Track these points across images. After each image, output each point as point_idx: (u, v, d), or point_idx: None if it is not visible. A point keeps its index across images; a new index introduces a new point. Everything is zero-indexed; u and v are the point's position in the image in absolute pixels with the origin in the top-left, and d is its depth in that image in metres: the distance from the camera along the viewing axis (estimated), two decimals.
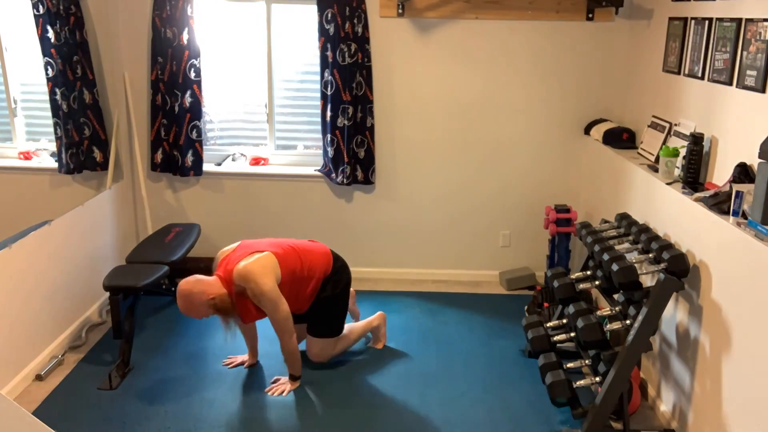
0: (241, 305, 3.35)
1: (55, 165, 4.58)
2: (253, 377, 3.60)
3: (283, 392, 3.44)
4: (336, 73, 4.46)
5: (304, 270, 3.48)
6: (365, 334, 3.86)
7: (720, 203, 2.80)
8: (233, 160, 4.86)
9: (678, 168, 3.41)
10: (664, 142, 3.69)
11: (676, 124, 3.64)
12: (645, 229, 3.31)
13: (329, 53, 4.44)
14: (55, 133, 4.46)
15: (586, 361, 3.15)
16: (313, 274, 3.53)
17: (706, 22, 3.32)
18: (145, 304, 4.38)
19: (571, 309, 3.21)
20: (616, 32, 4.48)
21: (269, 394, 3.43)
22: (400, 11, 4.46)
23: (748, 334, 2.52)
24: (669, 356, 3.22)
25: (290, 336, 3.39)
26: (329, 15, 4.39)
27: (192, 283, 3.23)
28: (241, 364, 3.73)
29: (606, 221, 3.77)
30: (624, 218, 3.56)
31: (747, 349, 2.53)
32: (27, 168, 4.70)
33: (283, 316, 3.33)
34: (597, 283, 3.38)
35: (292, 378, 3.51)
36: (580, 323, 3.07)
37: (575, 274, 3.49)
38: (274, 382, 3.52)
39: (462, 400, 3.42)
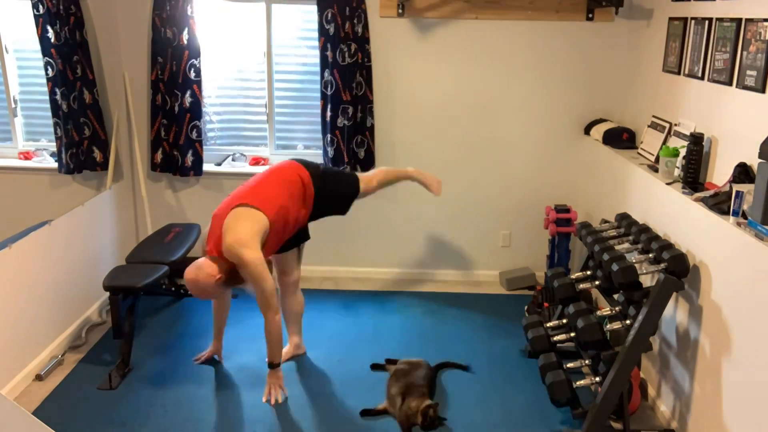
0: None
1: (55, 165, 4.59)
2: (253, 376, 3.60)
3: (278, 397, 3.39)
4: (336, 73, 4.46)
5: (287, 205, 3.34)
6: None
7: (720, 203, 2.80)
8: (233, 160, 4.86)
9: (678, 168, 3.41)
10: (664, 142, 3.69)
11: (676, 124, 3.64)
12: (645, 229, 3.31)
13: (329, 53, 4.44)
14: (55, 133, 4.46)
15: (586, 361, 3.15)
16: (296, 201, 3.39)
17: (706, 22, 3.32)
18: (145, 304, 4.38)
19: (571, 309, 3.21)
20: (616, 32, 4.48)
21: (269, 402, 3.39)
22: (400, 11, 4.46)
23: (748, 335, 2.52)
24: (669, 356, 3.22)
25: (274, 313, 3.27)
26: (329, 15, 4.39)
27: (194, 271, 3.19)
28: (211, 356, 3.74)
29: (606, 221, 3.77)
30: (624, 218, 3.56)
31: (747, 349, 2.53)
32: (27, 168, 4.71)
33: (268, 290, 3.21)
34: (597, 283, 3.38)
35: (272, 367, 3.38)
36: (580, 323, 3.07)
37: (575, 274, 3.49)
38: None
39: (462, 400, 3.42)
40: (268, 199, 3.29)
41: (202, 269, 3.20)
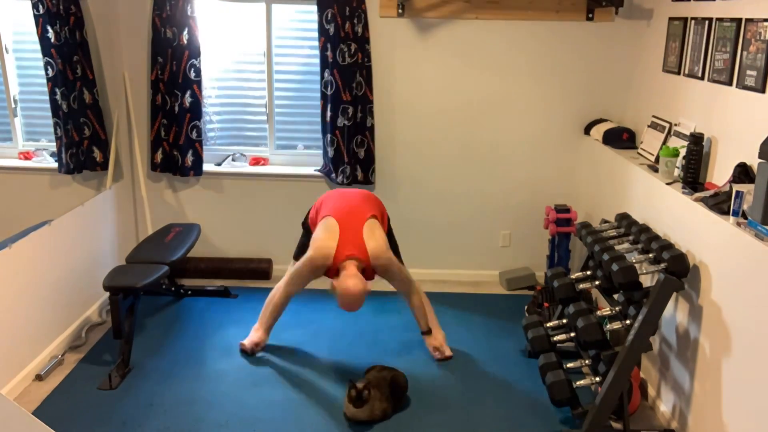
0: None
1: (55, 165, 4.58)
2: (254, 376, 3.60)
3: (446, 354, 3.79)
4: (336, 73, 4.46)
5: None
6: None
7: (720, 203, 2.80)
8: (233, 160, 4.86)
9: (678, 168, 3.41)
10: (664, 142, 3.69)
11: (676, 124, 3.64)
12: (645, 229, 3.31)
13: (329, 53, 4.44)
14: (55, 133, 4.46)
15: (586, 361, 3.15)
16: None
17: (706, 22, 3.32)
18: (145, 304, 4.38)
19: (571, 309, 3.22)
20: (616, 32, 4.47)
21: (439, 358, 3.79)
22: (400, 11, 4.46)
23: (748, 334, 2.52)
24: (669, 356, 3.22)
25: (417, 291, 3.80)
26: (329, 15, 4.39)
27: (361, 284, 3.42)
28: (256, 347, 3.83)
29: (606, 221, 3.77)
30: (624, 218, 3.56)
31: (747, 349, 2.53)
32: (27, 168, 4.70)
33: (410, 276, 3.77)
34: (597, 283, 3.38)
35: (426, 333, 3.82)
36: (580, 323, 3.07)
37: (575, 274, 3.49)
38: (437, 351, 3.82)
39: (462, 400, 3.42)
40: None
41: (363, 280, 3.45)
